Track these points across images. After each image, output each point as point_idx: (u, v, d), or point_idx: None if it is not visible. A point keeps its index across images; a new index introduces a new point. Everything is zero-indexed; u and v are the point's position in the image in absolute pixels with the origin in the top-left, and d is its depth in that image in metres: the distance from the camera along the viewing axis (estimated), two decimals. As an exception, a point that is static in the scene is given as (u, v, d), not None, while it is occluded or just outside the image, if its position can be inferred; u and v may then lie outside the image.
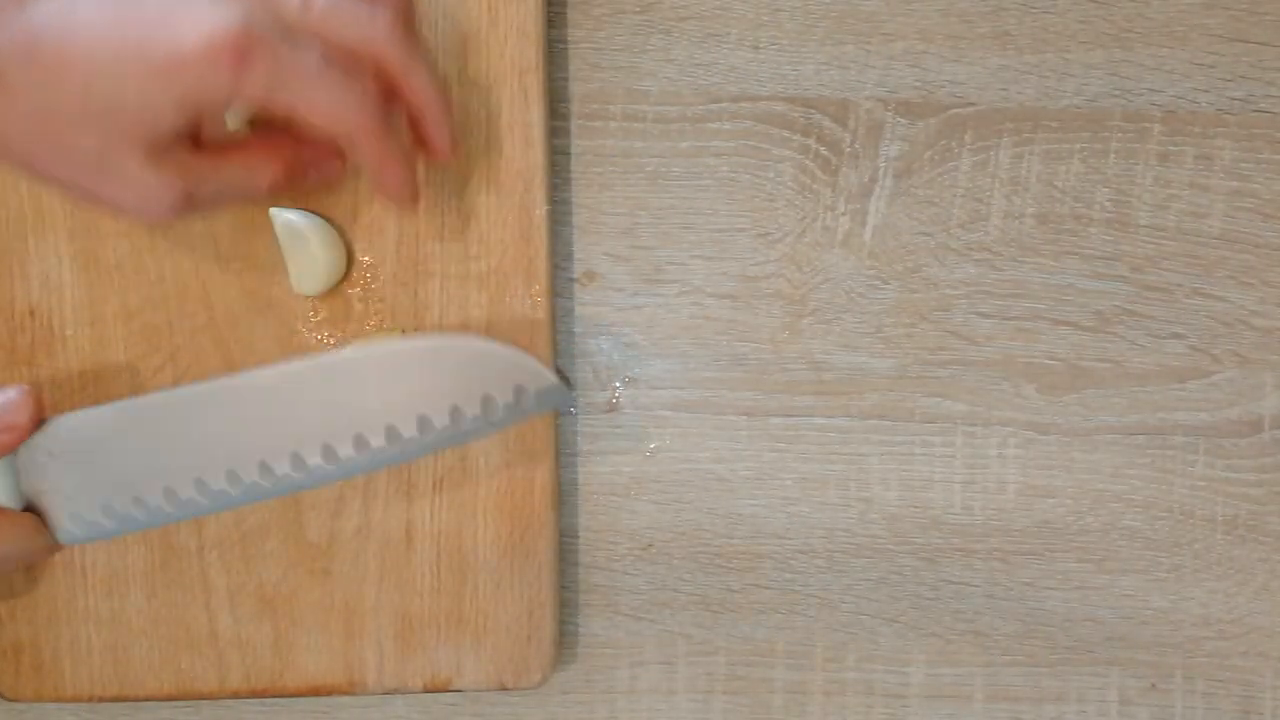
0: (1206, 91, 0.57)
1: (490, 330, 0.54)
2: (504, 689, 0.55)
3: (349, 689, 0.54)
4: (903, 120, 0.56)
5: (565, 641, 0.57)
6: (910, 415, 0.57)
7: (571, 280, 0.57)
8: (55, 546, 0.48)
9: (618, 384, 0.57)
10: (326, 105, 0.43)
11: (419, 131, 0.48)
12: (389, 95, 0.47)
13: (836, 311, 0.57)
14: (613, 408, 0.57)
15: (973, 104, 0.57)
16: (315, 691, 0.54)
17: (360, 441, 0.47)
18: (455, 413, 0.48)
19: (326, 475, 0.48)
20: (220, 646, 0.54)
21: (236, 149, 0.46)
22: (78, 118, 0.41)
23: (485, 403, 0.48)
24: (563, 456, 0.56)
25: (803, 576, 0.57)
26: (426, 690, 0.54)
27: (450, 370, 0.48)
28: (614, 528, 0.57)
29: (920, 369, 0.57)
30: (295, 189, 0.49)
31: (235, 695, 0.54)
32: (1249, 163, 0.57)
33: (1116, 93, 0.57)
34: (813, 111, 0.56)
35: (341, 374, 0.48)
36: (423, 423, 0.47)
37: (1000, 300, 0.57)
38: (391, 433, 0.47)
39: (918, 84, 0.56)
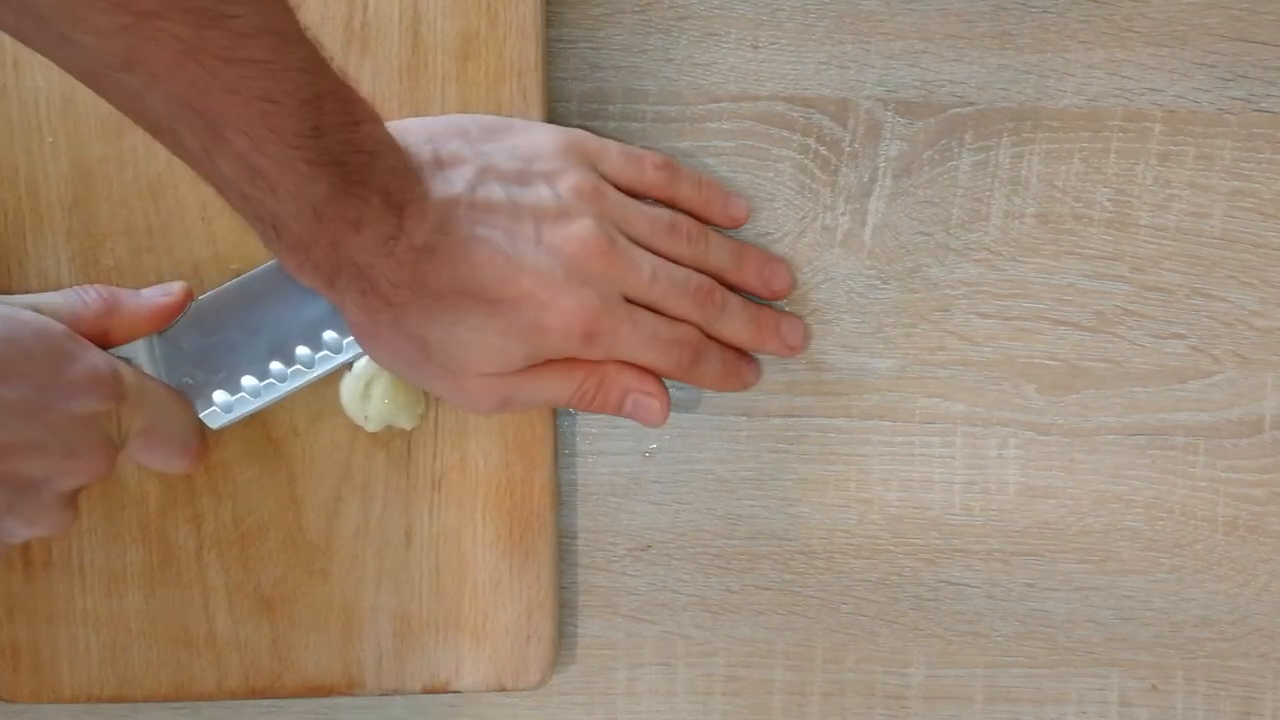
0: (1207, 91, 0.56)
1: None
2: (503, 690, 0.54)
3: (348, 690, 0.54)
4: (902, 120, 0.56)
5: (564, 643, 0.57)
6: (910, 416, 0.57)
7: (571, 280, 0.56)
8: (203, 430, 0.52)
9: (617, 384, 0.57)
10: (647, 363, 0.52)
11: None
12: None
13: (836, 312, 0.57)
14: (612, 408, 0.57)
15: (972, 103, 0.56)
16: (314, 692, 0.54)
17: None
18: None
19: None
20: (219, 647, 0.54)
21: (560, 365, 0.51)
22: (439, 346, 0.49)
23: None
24: (562, 456, 0.56)
25: (802, 577, 0.57)
26: (425, 691, 0.54)
27: None
28: (613, 528, 0.57)
29: (920, 369, 0.57)
30: (612, 411, 0.53)
31: (234, 696, 0.54)
32: (1250, 163, 0.57)
33: (1117, 92, 0.57)
34: (812, 111, 0.56)
35: None
36: None
37: (1000, 300, 0.57)
38: None
39: (917, 83, 0.56)
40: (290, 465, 0.54)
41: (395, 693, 0.54)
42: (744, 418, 0.57)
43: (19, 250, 0.53)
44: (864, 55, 0.56)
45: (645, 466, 0.57)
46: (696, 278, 0.53)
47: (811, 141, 0.56)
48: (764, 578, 0.57)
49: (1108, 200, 0.57)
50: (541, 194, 0.50)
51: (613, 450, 0.57)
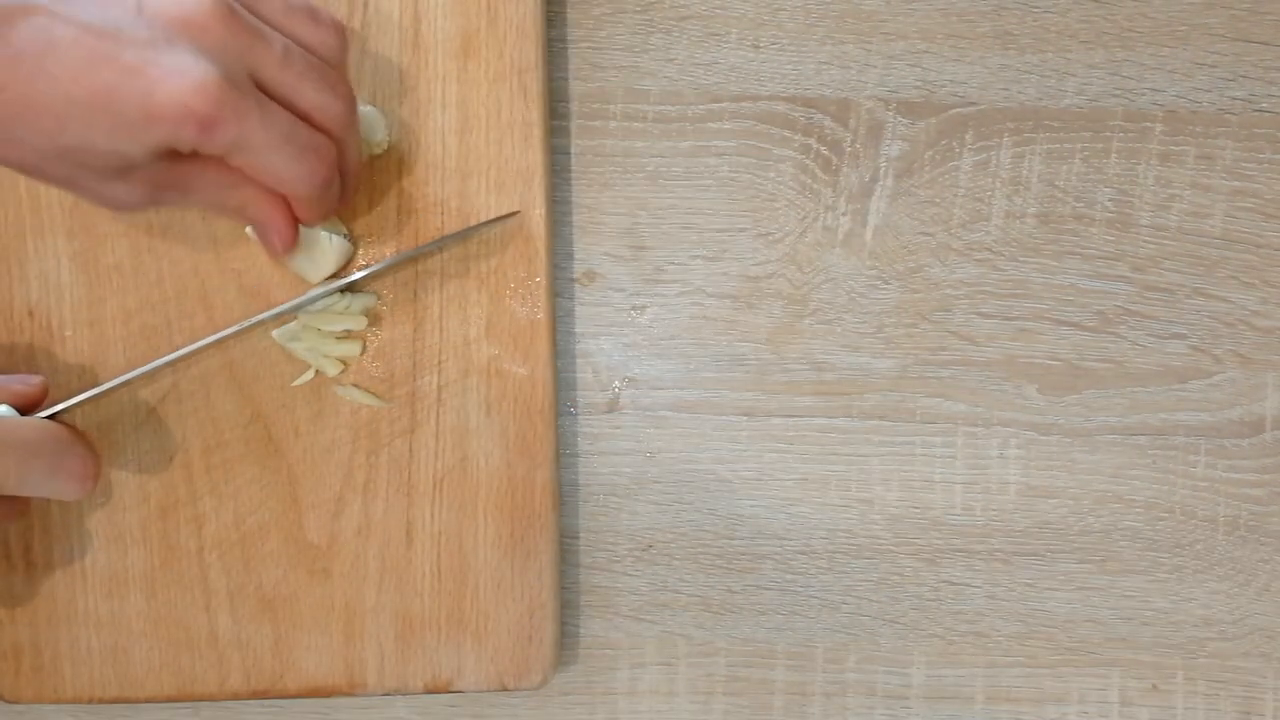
0: (1208, 91, 0.56)
1: (490, 330, 0.54)
2: (504, 690, 0.54)
3: (349, 690, 0.54)
4: (904, 120, 0.56)
5: (566, 643, 0.57)
6: (911, 416, 0.57)
7: (571, 280, 0.57)
8: (83, 448, 0.48)
9: (618, 384, 0.57)
10: (278, 171, 0.45)
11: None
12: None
13: (837, 311, 0.57)
14: (613, 408, 0.57)
15: (974, 103, 0.56)
16: (316, 693, 0.54)
17: None
18: None
19: None
20: (220, 648, 0.54)
21: (213, 164, 0.45)
22: (49, 152, 0.42)
23: None
24: (563, 457, 0.56)
25: (803, 577, 0.57)
26: (427, 691, 0.54)
27: None
28: (614, 528, 0.57)
29: (921, 369, 0.57)
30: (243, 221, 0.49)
31: (235, 697, 0.54)
32: (1250, 163, 0.57)
33: (1118, 92, 0.57)
34: (813, 111, 0.56)
35: None
36: None
37: (1001, 300, 0.57)
38: None
39: (919, 83, 0.56)
40: (291, 466, 0.54)
41: (397, 693, 0.54)
42: (745, 417, 0.57)
43: (19, 250, 0.53)
44: (865, 55, 0.56)
45: (646, 467, 0.57)
46: (334, 71, 0.46)
47: (813, 141, 0.56)
48: (765, 578, 0.57)
49: (1109, 200, 0.57)
50: None
51: (614, 450, 0.57)
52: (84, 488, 0.48)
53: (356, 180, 0.50)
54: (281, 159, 0.44)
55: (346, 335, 0.53)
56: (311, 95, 0.45)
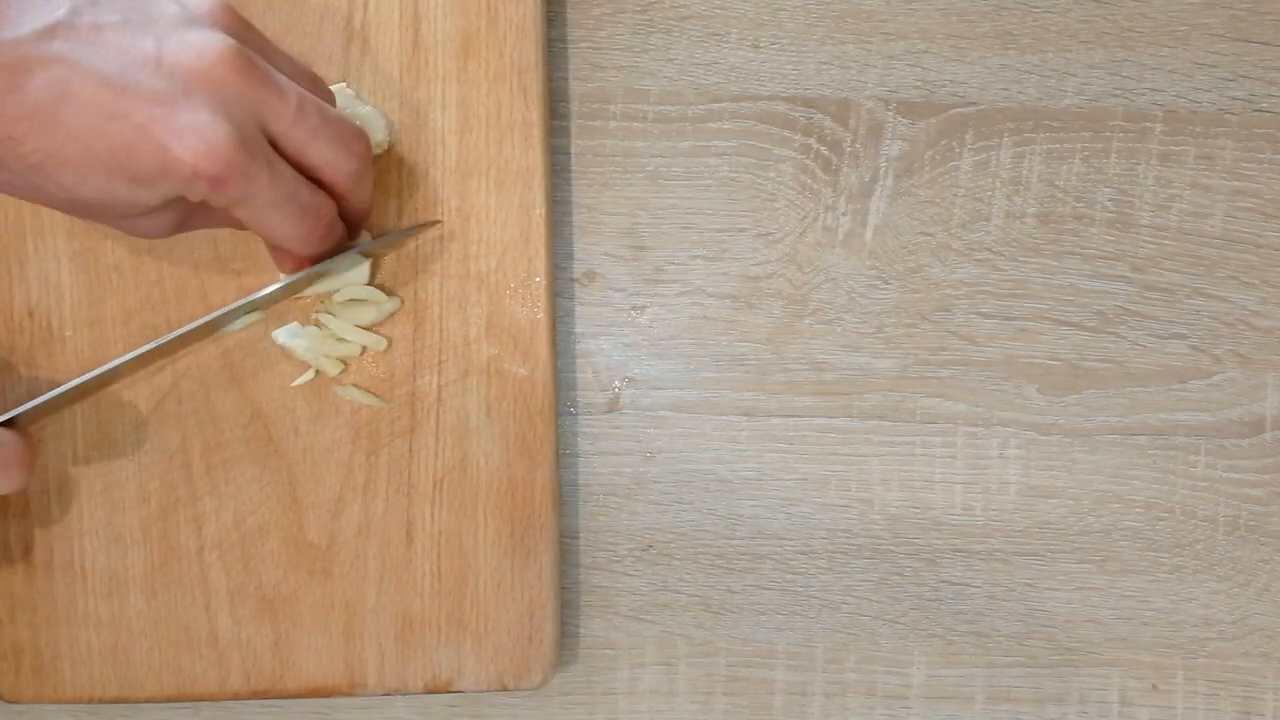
0: (1208, 91, 0.56)
1: (490, 330, 0.54)
2: (505, 690, 0.54)
3: (349, 690, 0.54)
4: (904, 120, 0.56)
5: (566, 643, 0.57)
6: (911, 416, 0.57)
7: (571, 280, 0.57)
8: (11, 438, 0.47)
9: (618, 384, 0.57)
10: (275, 229, 0.46)
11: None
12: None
13: (837, 311, 0.57)
14: (613, 408, 0.57)
15: (974, 103, 0.56)
16: (315, 693, 0.54)
17: None
18: None
19: None
20: (220, 648, 0.54)
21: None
22: (70, 201, 0.43)
23: None
24: (563, 457, 0.56)
25: (803, 577, 0.57)
26: (427, 691, 0.54)
27: None
28: (614, 528, 0.57)
29: (921, 369, 0.57)
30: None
31: (235, 697, 0.54)
32: (1251, 163, 0.57)
33: (1118, 92, 0.57)
34: (813, 111, 0.56)
35: None
36: None
37: (1001, 300, 0.57)
38: None
39: (919, 83, 0.56)
40: (291, 466, 0.54)
41: (397, 693, 0.54)
42: (745, 417, 0.57)
43: (19, 250, 0.53)
44: (865, 55, 0.56)
45: (646, 466, 0.57)
46: (352, 124, 0.47)
47: (813, 141, 0.56)
48: (765, 578, 0.57)
49: (1109, 200, 0.57)
50: (166, 8, 0.43)
51: (614, 450, 0.57)
52: (9, 479, 0.46)
53: (366, 218, 0.51)
54: (281, 218, 0.45)
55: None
56: (322, 151, 0.46)
